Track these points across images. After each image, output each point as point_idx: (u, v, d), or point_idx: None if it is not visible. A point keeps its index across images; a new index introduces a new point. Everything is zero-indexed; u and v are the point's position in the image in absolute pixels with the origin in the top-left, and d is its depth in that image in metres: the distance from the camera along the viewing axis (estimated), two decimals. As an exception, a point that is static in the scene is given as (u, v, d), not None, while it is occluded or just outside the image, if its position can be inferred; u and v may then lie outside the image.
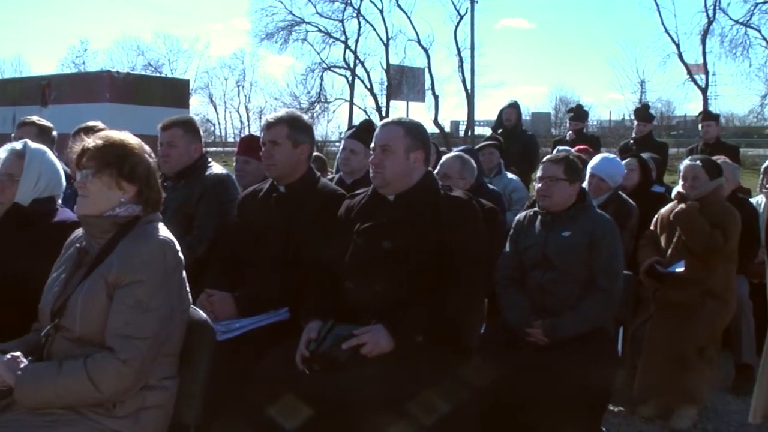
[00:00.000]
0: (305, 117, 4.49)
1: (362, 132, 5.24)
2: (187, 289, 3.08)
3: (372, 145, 3.77)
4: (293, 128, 4.16)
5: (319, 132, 42.82)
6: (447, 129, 46.21)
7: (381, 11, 42.16)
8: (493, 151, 7.74)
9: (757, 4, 39.20)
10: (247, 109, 53.94)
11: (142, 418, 2.86)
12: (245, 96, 53.92)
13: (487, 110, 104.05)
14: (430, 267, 3.59)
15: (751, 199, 6.79)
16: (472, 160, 5.57)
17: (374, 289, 3.61)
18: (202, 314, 3.17)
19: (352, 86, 44.06)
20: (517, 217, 4.82)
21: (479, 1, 42.52)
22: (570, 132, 10.21)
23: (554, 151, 7.42)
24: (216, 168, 4.93)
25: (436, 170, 5.34)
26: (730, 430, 5.08)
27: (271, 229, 4.11)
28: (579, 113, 10.43)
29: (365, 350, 3.41)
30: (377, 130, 3.81)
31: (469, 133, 42.24)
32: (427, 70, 42.78)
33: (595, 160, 5.87)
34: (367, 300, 3.62)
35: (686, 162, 5.54)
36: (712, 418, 5.22)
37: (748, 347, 5.59)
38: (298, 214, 4.08)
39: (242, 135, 17.68)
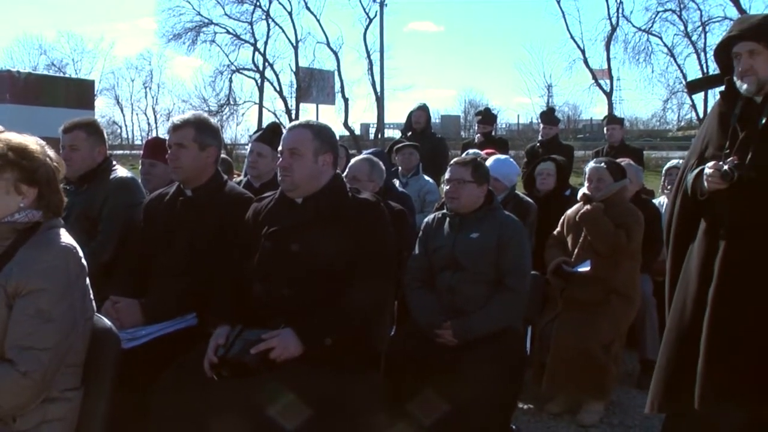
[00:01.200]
0: (212, 119, 4.42)
1: (269, 135, 5.19)
2: (91, 296, 3.01)
3: (280, 148, 3.74)
4: (200, 131, 4.09)
5: (228, 135, 42.49)
6: (357, 132, 46.31)
7: (290, 13, 42.18)
8: (412, 151, 7.78)
9: (659, 12, 40.49)
10: (154, 111, 53.12)
11: (44, 431, 2.78)
12: (153, 98, 53.10)
13: (397, 113, 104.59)
14: (339, 270, 3.58)
15: (654, 200, 6.97)
16: (381, 163, 5.57)
17: (283, 292, 3.58)
18: (107, 322, 3.10)
19: (261, 89, 43.87)
20: (426, 220, 4.85)
21: (388, 4, 42.80)
22: (478, 135, 10.29)
23: (463, 154, 7.49)
24: (120, 171, 4.82)
25: (345, 173, 5.34)
26: (634, 423, 5.19)
27: (177, 234, 4.04)
28: (487, 116, 10.50)
29: (274, 354, 3.37)
30: (285, 134, 3.78)
31: (380, 136, 42.48)
32: (336, 73, 42.99)
33: (490, 161, 5.93)
34: (276, 304, 3.58)
35: (591, 164, 5.65)
36: (618, 413, 5.34)
37: (652, 343, 5.72)
38: (205, 218, 4.01)
39: (149, 137, 17.32)
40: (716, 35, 39.97)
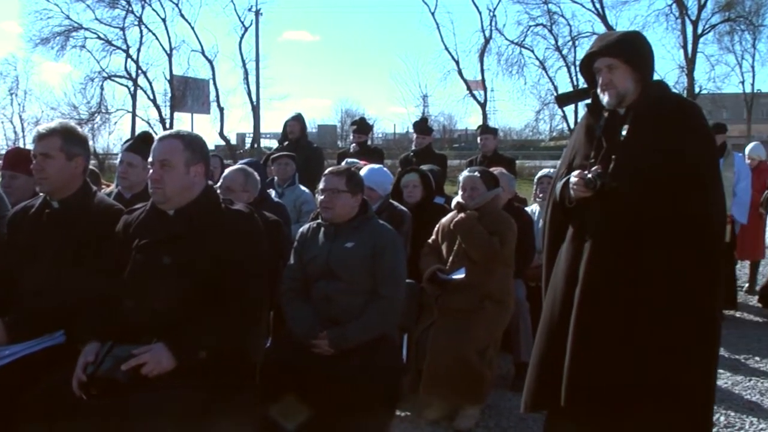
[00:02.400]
0: (81, 128, 4.29)
1: (140, 144, 5.06)
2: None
3: (150, 159, 3.66)
4: (67, 140, 3.96)
5: (100, 144, 41.35)
6: (233, 141, 45.83)
7: (164, 20, 41.36)
8: (288, 161, 7.75)
9: (530, 26, 41.68)
10: (21, 119, 51.03)
11: None
12: (19, 105, 50.92)
13: (274, 122, 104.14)
14: (212, 282, 3.53)
15: (527, 208, 7.14)
16: (256, 173, 5.53)
17: (155, 306, 3.50)
18: (-32, 342, 2.97)
19: (134, 97, 42.78)
20: (301, 230, 4.83)
21: (264, 14, 42.61)
22: (354, 144, 10.33)
23: (343, 163, 7.49)
24: (-19, 184, 4.63)
25: (219, 183, 5.27)
26: (510, 425, 5.29)
27: (43, 248, 3.89)
28: (362, 126, 10.55)
29: (146, 370, 3.30)
30: (155, 144, 3.69)
31: (255, 146, 42.14)
32: (211, 82, 42.44)
33: (363, 171, 5.95)
34: (148, 318, 3.51)
35: (465, 173, 5.74)
36: (494, 415, 5.43)
37: (526, 346, 5.83)
38: (73, 231, 3.88)
39: (11, 147, 16.69)
40: (585, 49, 41.24)
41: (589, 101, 3.91)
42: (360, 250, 4.47)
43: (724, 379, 6.48)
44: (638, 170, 3.57)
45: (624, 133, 3.67)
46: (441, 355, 5.10)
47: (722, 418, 5.55)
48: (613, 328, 3.56)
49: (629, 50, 3.72)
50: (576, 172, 3.65)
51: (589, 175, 3.56)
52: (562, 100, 4.27)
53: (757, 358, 7.19)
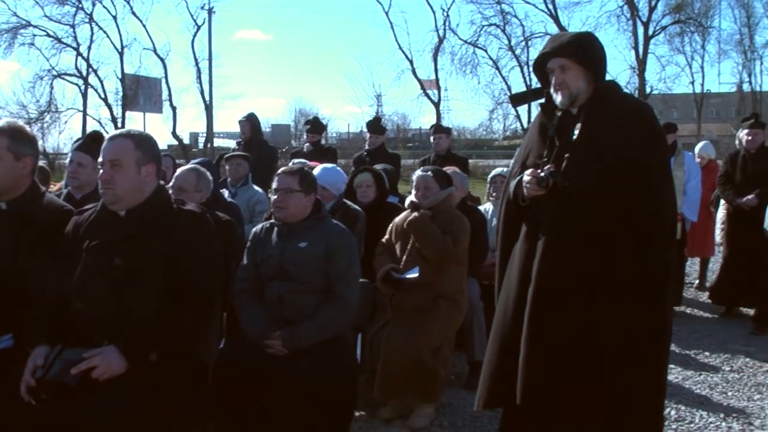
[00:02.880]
0: (29, 128, 4.21)
1: (90, 144, 4.99)
2: None
3: (100, 159, 3.62)
4: (14, 140, 3.88)
5: (50, 143, 40.69)
6: (186, 141, 45.44)
7: (114, 18, 40.62)
8: (241, 162, 7.74)
9: (484, 26, 41.91)
10: (-33, 119, 49.98)
11: None
12: (-35, 104, 50.07)
13: (227, 122, 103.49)
14: (164, 283, 3.49)
15: (480, 207, 7.18)
16: (209, 173, 5.49)
17: (105, 308, 3.46)
18: None
19: (85, 95, 41.96)
20: (254, 230, 4.80)
21: (216, 12, 42.31)
22: (307, 144, 10.32)
23: (290, 163, 7.47)
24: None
25: (171, 183, 5.23)
26: (464, 423, 5.31)
27: (-9, 250, 3.82)
28: (316, 125, 10.54)
29: (96, 374, 3.26)
30: (105, 144, 3.64)
31: (209, 145, 41.85)
32: (164, 81, 41.93)
33: (317, 170, 5.94)
34: (98, 321, 3.46)
35: (418, 172, 5.75)
36: (448, 414, 5.45)
37: (480, 345, 5.86)
38: (22, 232, 3.80)
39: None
40: (538, 49, 41.59)
41: (542, 101, 3.95)
42: (313, 250, 4.46)
43: (675, 374, 6.58)
44: (590, 169, 3.61)
45: (576, 132, 3.71)
46: (395, 355, 5.11)
47: (673, 412, 5.63)
48: (566, 327, 3.59)
49: (582, 51, 3.76)
50: (529, 171, 3.69)
51: (542, 174, 3.61)
52: (516, 99, 4.31)
53: (707, 353, 7.31)
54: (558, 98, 3.76)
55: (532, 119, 4.22)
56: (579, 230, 3.62)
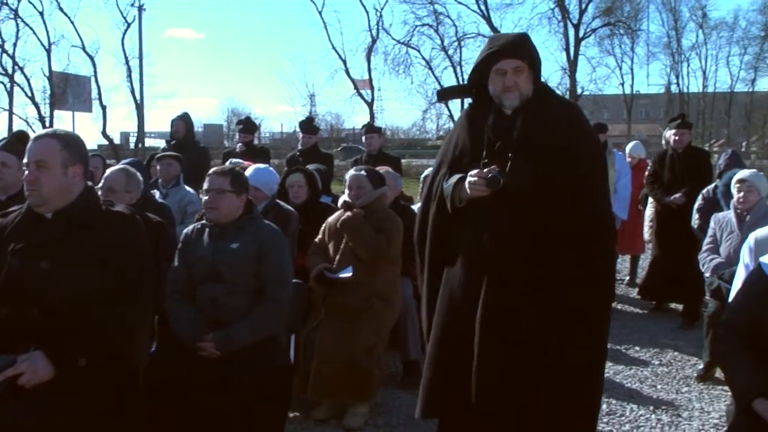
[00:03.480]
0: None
1: (14, 143, 4.87)
2: None
3: (25, 160, 3.53)
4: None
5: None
6: (117, 141, 44.75)
7: (41, 14, 39.74)
8: (171, 162, 7.63)
9: (417, 26, 42.10)
10: None
11: None
12: None
13: (159, 122, 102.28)
14: (93, 286, 3.42)
15: (413, 206, 7.19)
16: (139, 174, 5.42)
17: (32, 313, 3.37)
18: None
19: (11, 94, 41.01)
20: (185, 231, 4.74)
21: (147, 9, 41.74)
22: (240, 144, 10.25)
23: (228, 163, 7.41)
24: None
25: (100, 184, 5.15)
26: (399, 422, 5.33)
27: None
28: (248, 125, 10.47)
29: (22, 380, 3.19)
30: (30, 145, 3.55)
31: (140, 145, 41.27)
32: (93, 79, 41.20)
33: (249, 170, 5.90)
34: (25, 326, 3.37)
35: (351, 172, 5.75)
36: (383, 413, 5.47)
37: (414, 344, 5.90)
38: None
39: None
40: (471, 50, 42.20)
41: (470, 99, 3.95)
42: (245, 251, 4.43)
43: (607, 369, 6.65)
44: (534, 169, 3.62)
45: (516, 132, 3.70)
46: (329, 355, 5.11)
47: (604, 406, 5.73)
48: (520, 331, 3.61)
49: (532, 53, 3.79)
50: (475, 171, 3.63)
51: (491, 174, 3.57)
52: (444, 94, 4.28)
53: (637, 348, 7.45)
54: (508, 100, 3.73)
55: (458, 119, 4.15)
56: (526, 230, 3.63)
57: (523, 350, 3.61)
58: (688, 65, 53.71)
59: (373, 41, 42.78)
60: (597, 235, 3.70)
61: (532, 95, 3.77)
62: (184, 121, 9.99)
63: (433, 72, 42.42)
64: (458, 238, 3.82)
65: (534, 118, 3.72)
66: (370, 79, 43.34)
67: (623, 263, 11.24)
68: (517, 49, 3.75)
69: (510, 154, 3.66)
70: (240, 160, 7.49)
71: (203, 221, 4.67)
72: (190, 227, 4.74)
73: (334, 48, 43.54)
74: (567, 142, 3.69)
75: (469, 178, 3.65)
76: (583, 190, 3.68)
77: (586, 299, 3.64)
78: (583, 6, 42.38)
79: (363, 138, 10.27)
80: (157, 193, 6.87)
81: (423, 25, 42.43)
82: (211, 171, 4.63)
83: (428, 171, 7.62)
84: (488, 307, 3.64)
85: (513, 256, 3.63)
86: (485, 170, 3.61)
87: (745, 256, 4.47)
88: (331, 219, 5.71)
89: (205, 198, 4.57)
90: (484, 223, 3.71)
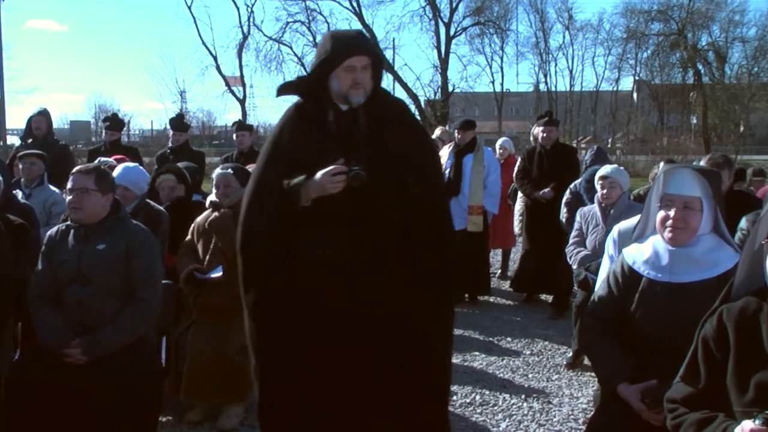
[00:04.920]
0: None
1: None
2: None
3: None
4: None
5: None
6: (-25, 139, 42.94)
7: None
8: (35, 161, 7.31)
9: (289, 23, 42.01)
10: None
11: None
12: None
13: (21, 118, 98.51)
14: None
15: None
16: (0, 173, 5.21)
17: None
18: None
19: None
20: (49, 233, 4.57)
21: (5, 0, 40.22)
22: (106, 142, 9.98)
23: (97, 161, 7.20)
24: None
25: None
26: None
27: None
28: (115, 122, 10.22)
29: None
30: None
31: (1, 143, 39.71)
32: (-53, 72, 39.37)
33: (118, 169, 5.75)
34: None
35: (218, 171, 5.65)
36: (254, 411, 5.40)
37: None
38: None
39: None
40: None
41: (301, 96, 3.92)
42: (112, 252, 4.31)
43: (479, 361, 6.85)
44: (384, 165, 3.64)
45: (363, 128, 3.71)
46: (201, 356, 5.04)
47: (477, 397, 5.86)
48: (375, 334, 3.63)
49: (378, 50, 3.80)
50: (332, 168, 3.57)
51: (354, 170, 3.53)
52: (283, 90, 4.17)
53: (509, 339, 7.64)
54: (355, 97, 3.70)
55: (288, 116, 3.95)
56: (380, 227, 3.64)
57: (370, 359, 3.63)
58: (556, 65, 55.53)
59: (245, 37, 42.53)
60: (439, 236, 3.77)
61: (373, 92, 3.78)
62: (45, 117, 9.62)
63: (305, 69, 42.28)
64: (299, 242, 3.70)
65: (377, 116, 3.74)
66: (242, 76, 43.03)
67: (495, 257, 11.48)
68: (367, 46, 3.77)
69: (360, 149, 3.66)
70: (109, 159, 7.30)
71: (68, 222, 4.51)
72: (54, 228, 4.58)
73: (204, 44, 43.11)
74: (407, 137, 3.76)
75: (324, 175, 3.57)
76: (429, 189, 3.75)
77: (429, 304, 3.70)
78: (454, 5, 43.16)
79: (234, 136, 10.17)
80: (19, 194, 6.61)
81: (295, 21, 42.45)
82: (74, 170, 4.48)
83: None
84: (334, 315, 3.62)
85: (361, 259, 3.62)
86: (345, 165, 3.56)
87: (609, 248, 4.62)
88: (199, 219, 5.61)
89: (68, 198, 4.42)
90: (337, 217, 3.66)
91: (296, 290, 3.69)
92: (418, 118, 4.36)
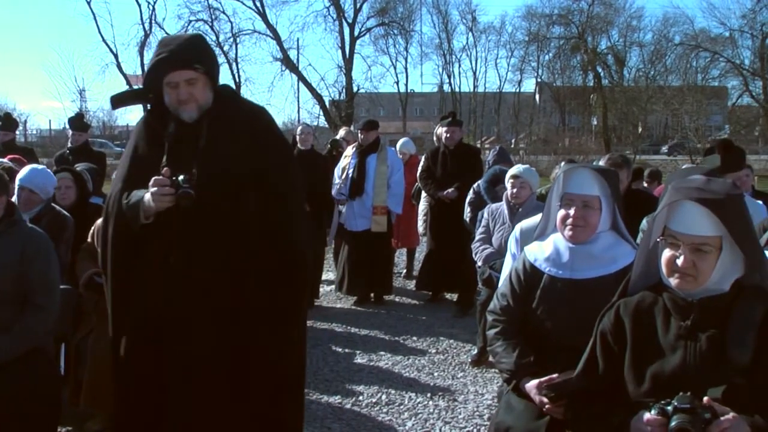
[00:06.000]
0: None
1: None
2: None
3: None
4: None
5: None
6: None
7: None
8: None
9: (191, 21, 41.60)
10: None
11: None
12: None
13: None
14: None
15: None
16: None
17: None
18: None
19: None
20: (-62, 238, 4.40)
21: None
22: (0, 143, 9.68)
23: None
24: None
25: None
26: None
27: None
28: (8, 122, 9.95)
29: None
30: None
31: None
32: None
33: (24, 171, 5.59)
34: None
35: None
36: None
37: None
38: None
39: None
40: (247, 47, 42.07)
41: (149, 105, 3.78)
42: (7, 257, 4.15)
43: (385, 360, 6.88)
44: (221, 179, 3.53)
45: (202, 141, 3.56)
46: (102, 363, 4.89)
47: (384, 397, 5.88)
48: (208, 354, 3.59)
49: (209, 61, 3.63)
50: (154, 178, 3.41)
51: (182, 190, 3.37)
52: (118, 101, 3.99)
53: (415, 338, 7.69)
54: (185, 113, 3.54)
55: (136, 126, 3.88)
56: (215, 243, 3.55)
57: (214, 376, 3.60)
58: (460, 66, 56.48)
59: (146, 35, 41.87)
60: (291, 246, 3.70)
61: (215, 101, 3.63)
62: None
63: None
64: (143, 258, 3.62)
65: (219, 127, 3.59)
66: (144, 75, 42.34)
67: (400, 257, 11.55)
68: (189, 59, 3.53)
69: (197, 164, 3.49)
70: (3, 160, 7.07)
71: (-42, 227, 4.35)
72: (-56, 234, 4.40)
73: (104, 41, 42.38)
74: (254, 149, 3.62)
75: (151, 190, 3.43)
76: (276, 200, 3.64)
77: (276, 319, 3.67)
78: (358, 5, 43.29)
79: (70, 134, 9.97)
80: None
81: (198, 20, 41.96)
82: (-36, 173, 4.32)
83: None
84: (177, 331, 3.56)
85: (203, 274, 3.54)
86: (171, 181, 3.40)
87: (512, 246, 4.68)
88: (99, 222, 5.47)
89: (-42, 202, 4.26)
90: (172, 239, 3.55)
91: (134, 309, 3.68)
92: (276, 122, 4.18)
